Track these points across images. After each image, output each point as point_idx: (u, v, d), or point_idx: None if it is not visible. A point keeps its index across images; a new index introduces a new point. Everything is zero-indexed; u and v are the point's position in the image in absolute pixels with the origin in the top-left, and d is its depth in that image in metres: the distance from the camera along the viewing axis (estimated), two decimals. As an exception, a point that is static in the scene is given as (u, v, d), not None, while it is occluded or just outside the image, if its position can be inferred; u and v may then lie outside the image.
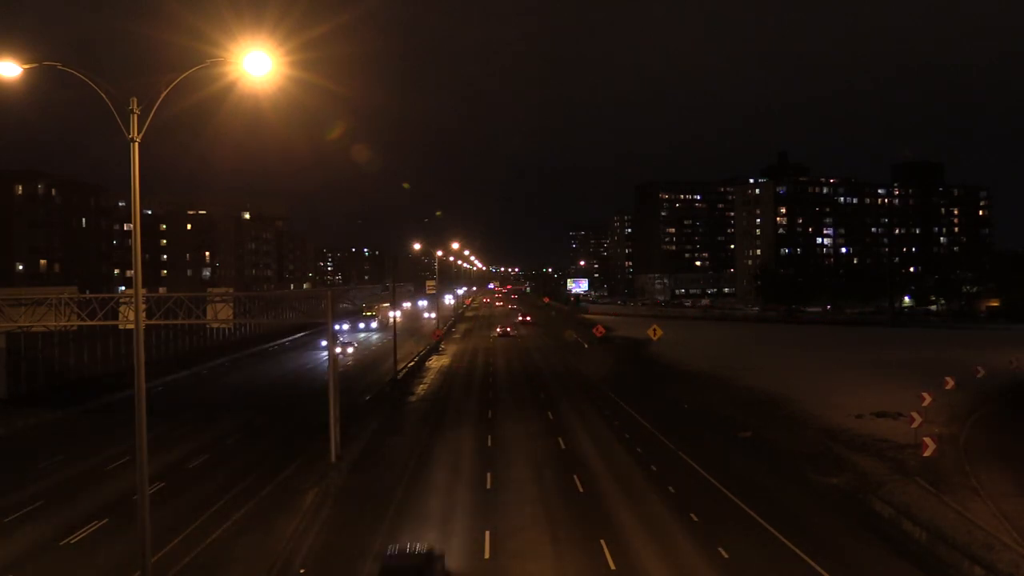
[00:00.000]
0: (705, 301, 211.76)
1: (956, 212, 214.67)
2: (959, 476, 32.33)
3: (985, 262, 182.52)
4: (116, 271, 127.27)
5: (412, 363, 78.57)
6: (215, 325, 68.62)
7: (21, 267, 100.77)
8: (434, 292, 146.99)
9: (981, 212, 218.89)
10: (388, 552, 22.87)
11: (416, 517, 29.76)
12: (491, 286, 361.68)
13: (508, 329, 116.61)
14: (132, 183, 18.99)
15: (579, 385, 65.44)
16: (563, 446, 41.80)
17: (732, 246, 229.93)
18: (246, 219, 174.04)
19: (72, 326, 42.52)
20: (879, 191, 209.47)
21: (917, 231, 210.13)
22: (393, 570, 21.61)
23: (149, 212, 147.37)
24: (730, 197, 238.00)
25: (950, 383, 49.39)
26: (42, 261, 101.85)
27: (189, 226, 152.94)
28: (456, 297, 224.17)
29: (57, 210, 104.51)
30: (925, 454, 34.15)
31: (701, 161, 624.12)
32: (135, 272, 19.70)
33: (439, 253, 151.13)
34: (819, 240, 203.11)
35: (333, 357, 39.42)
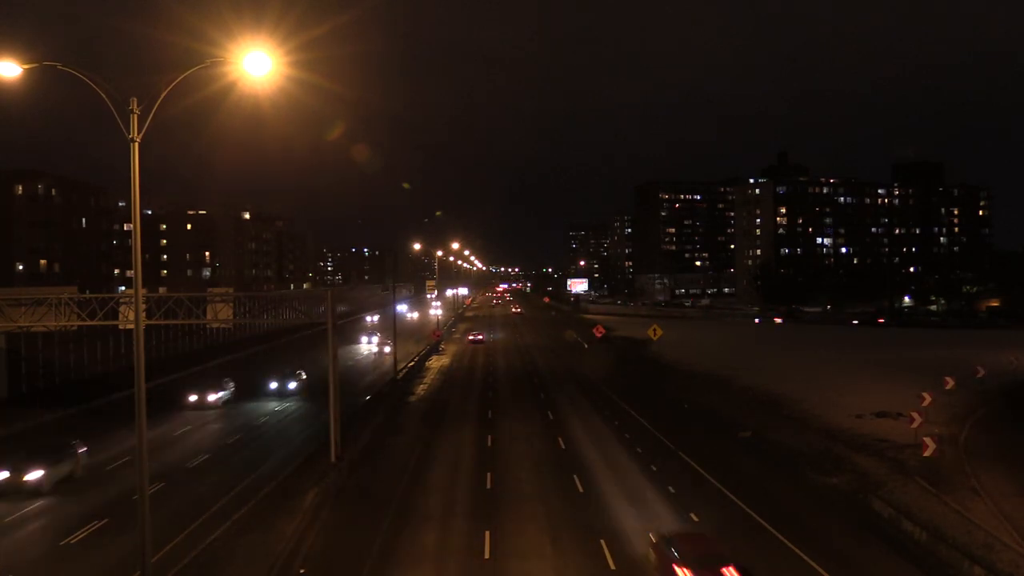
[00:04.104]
0: (705, 301, 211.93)
1: (956, 212, 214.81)
2: (959, 476, 32.35)
3: (985, 262, 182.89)
4: (116, 271, 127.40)
5: (412, 363, 78.56)
6: (215, 325, 68.54)
7: (21, 267, 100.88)
8: (434, 292, 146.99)
9: (981, 212, 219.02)
10: None
11: (416, 517, 29.76)
12: (503, 286, 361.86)
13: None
14: (132, 183, 18.97)
15: (579, 385, 65.40)
16: (563, 446, 41.82)
17: (732, 246, 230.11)
18: (246, 219, 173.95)
19: (72, 326, 42.40)
20: (879, 191, 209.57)
21: (917, 231, 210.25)
22: None
23: (149, 212, 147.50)
24: (730, 197, 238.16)
25: (950, 383, 49.45)
26: (42, 261, 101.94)
27: (189, 226, 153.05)
28: (456, 297, 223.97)
29: (57, 210, 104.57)
30: (925, 454, 34.24)
31: (701, 161, 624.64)
32: (135, 272, 19.69)
33: (439, 253, 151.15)
34: (819, 240, 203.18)
35: (333, 357, 39.35)
